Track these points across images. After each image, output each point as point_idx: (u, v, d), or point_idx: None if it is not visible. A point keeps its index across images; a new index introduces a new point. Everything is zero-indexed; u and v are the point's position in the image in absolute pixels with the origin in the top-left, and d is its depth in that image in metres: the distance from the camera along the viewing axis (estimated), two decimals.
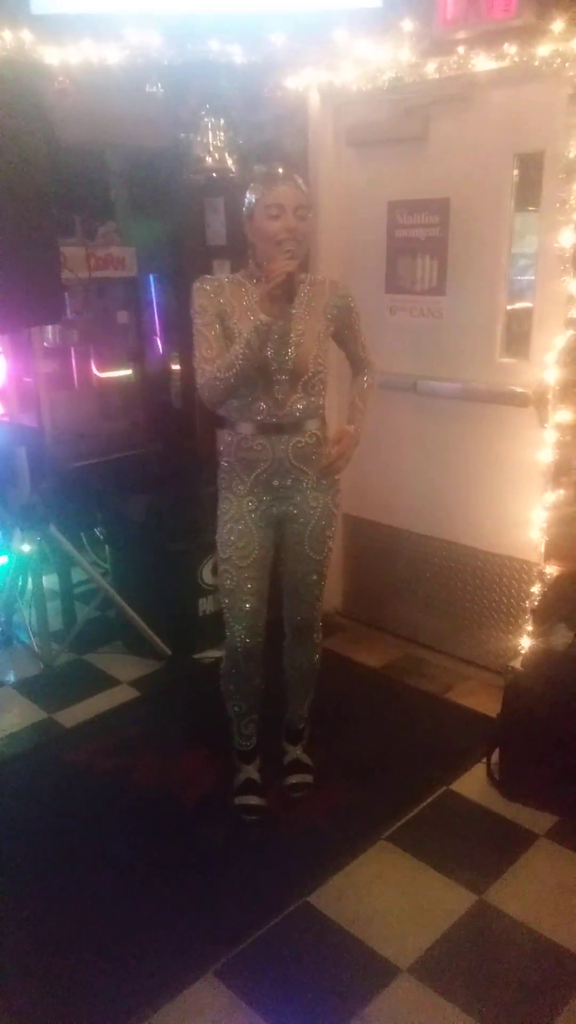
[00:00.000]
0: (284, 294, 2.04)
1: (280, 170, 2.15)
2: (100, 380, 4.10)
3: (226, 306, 2.18)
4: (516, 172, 2.81)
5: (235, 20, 2.79)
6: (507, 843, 2.38)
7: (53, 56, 2.87)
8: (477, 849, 2.36)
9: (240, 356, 2.07)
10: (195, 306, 2.20)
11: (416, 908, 2.16)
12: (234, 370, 2.09)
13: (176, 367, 4.24)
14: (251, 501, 2.30)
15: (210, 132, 3.15)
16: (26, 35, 2.81)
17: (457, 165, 2.91)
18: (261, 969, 1.99)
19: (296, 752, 2.67)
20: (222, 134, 3.19)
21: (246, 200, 2.17)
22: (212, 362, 2.14)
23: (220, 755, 2.69)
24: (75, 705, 3.13)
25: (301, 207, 2.12)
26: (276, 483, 2.28)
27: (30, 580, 3.39)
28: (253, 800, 2.51)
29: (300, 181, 2.15)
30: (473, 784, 2.62)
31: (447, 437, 3.18)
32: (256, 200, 2.13)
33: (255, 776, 2.58)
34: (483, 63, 2.63)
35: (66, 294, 3.74)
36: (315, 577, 2.42)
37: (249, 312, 2.15)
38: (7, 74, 2.76)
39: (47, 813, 2.55)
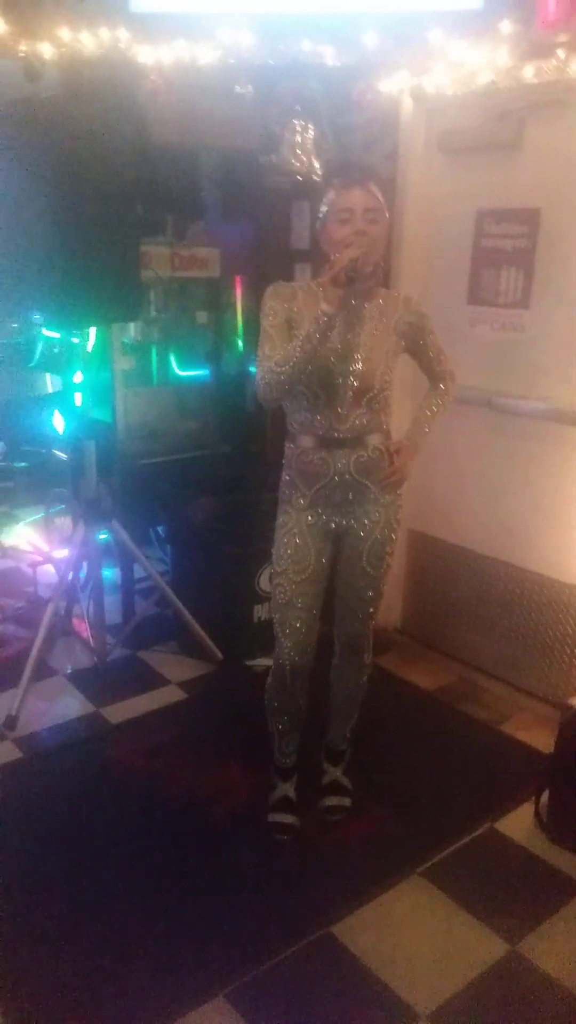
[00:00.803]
0: (348, 280, 1.96)
1: (354, 174, 2.08)
2: (177, 378, 4.13)
3: (297, 314, 2.13)
4: None
5: (328, 21, 2.73)
6: (548, 892, 2.24)
7: (147, 55, 2.87)
8: (516, 895, 2.23)
9: (299, 349, 2.00)
10: (265, 308, 2.16)
11: (444, 952, 2.05)
12: (292, 362, 2.01)
13: (253, 369, 4.23)
14: (310, 515, 2.24)
15: (298, 135, 3.10)
16: (122, 33, 2.81)
17: (550, 174, 2.78)
18: (274, 998, 1.92)
19: (335, 773, 2.59)
20: (311, 137, 3.14)
21: (320, 211, 2.12)
22: (272, 359, 2.08)
23: (258, 768, 2.63)
24: (123, 702, 3.13)
25: (371, 210, 2.05)
26: (338, 498, 2.22)
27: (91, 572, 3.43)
28: (287, 819, 2.44)
29: (373, 186, 2.08)
30: (519, 824, 2.48)
31: (520, 457, 3.04)
32: (328, 208, 2.08)
33: (291, 794, 2.51)
34: None
35: (150, 292, 3.79)
36: (371, 594, 2.34)
37: None
38: (103, 72, 2.78)
39: (80, 809, 2.55)
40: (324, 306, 1.97)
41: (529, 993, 1.94)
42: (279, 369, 2.04)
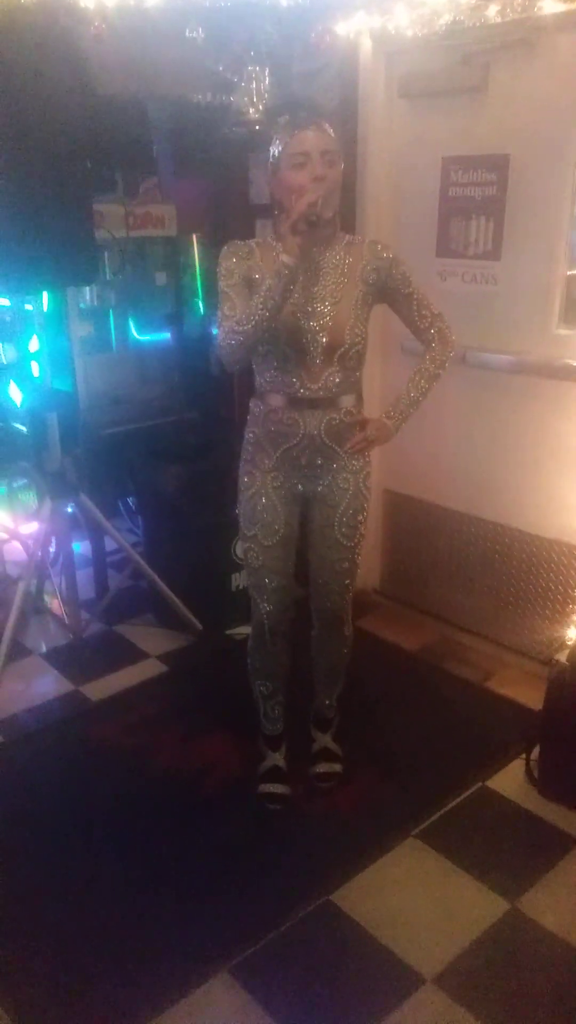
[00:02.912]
0: (309, 226, 1.85)
1: (303, 114, 1.96)
2: (138, 344, 4.00)
3: (255, 270, 2.03)
4: None
5: None
6: (544, 847, 2.26)
7: None
8: (512, 852, 2.24)
9: (260, 305, 1.89)
10: (221, 269, 2.05)
11: (444, 913, 2.05)
12: (254, 320, 1.90)
13: (216, 331, 4.10)
14: (276, 477, 2.18)
15: (253, 81, 2.96)
16: None
17: (518, 118, 2.69)
18: (278, 970, 1.91)
19: (325, 740, 2.57)
20: (266, 84, 3.00)
21: (270, 154, 2.00)
22: (233, 319, 1.97)
23: (245, 739, 2.60)
24: (103, 678, 3.07)
25: (328, 152, 1.94)
26: (305, 460, 2.15)
27: (61, 547, 3.34)
28: (278, 788, 2.42)
29: (327, 125, 1.96)
30: (510, 781, 2.49)
31: (497, 412, 3.00)
32: (279, 151, 1.96)
33: (281, 763, 2.49)
34: (550, 5, 2.39)
35: (104, 254, 3.63)
36: (346, 565, 2.28)
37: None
38: (39, 18, 2.61)
39: (66, 791, 2.50)
40: (284, 258, 1.86)
41: (531, 950, 1.96)
42: (240, 328, 1.93)
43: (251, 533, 2.23)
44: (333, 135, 1.97)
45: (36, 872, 2.21)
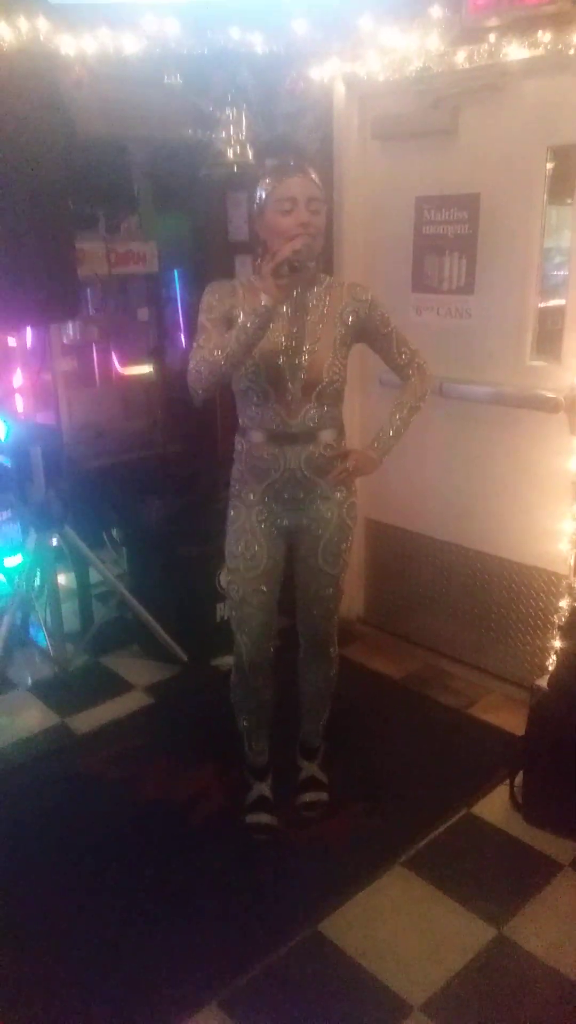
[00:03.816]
0: (291, 270, 1.90)
1: (292, 162, 2.03)
2: (121, 377, 4.05)
3: (237, 308, 2.08)
4: (549, 166, 2.67)
5: (255, 7, 2.68)
6: (529, 873, 2.27)
7: (69, 45, 2.77)
8: (497, 878, 2.26)
9: (234, 339, 1.93)
10: (203, 304, 2.11)
11: (431, 941, 2.06)
12: (226, 352, 1.93)
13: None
14: (261, 511, 2.22)
15: (231, 125, 3.04)
16: (42, 23, 2.71)
17: (488, 159, 2.78)
18: (267, 1002, 1.92)
19: (312, 769, 2.59)
20: (244, 127, 3.08)
21: (256, 196, 2.06)
22: (207, 349, 2.01)
23: (232, 769, 2.62)
24: (88, 710, 3.08)
25: (314, 199, 2.00)
26: (288, 494, 2.19)
27: (46, 579, 3.34)
28: (264, 819, 2.43)
29: (313, 172, 2.04)
30: (495, 807, 2.52)
31: (474, 442, 3.06)
32: (266, 195, 2.02)
33: (267, 793, 2.50)
34: (515, 52, 2.49)
35: (88, 290, 3.69)
36: (330, 591, 2.33)
37: None
38: (21, 64, 2.68)
39: (53, 824, 2.50)
40: (263, 298, 1.90)
41: (518, 976, 1.97)
42: (211, 358, 1.96)
43: (234, 565, 2.26)
44: (319, 183, 2.04)
45: (23, 905, 2.20)
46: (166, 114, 3.20)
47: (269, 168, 2.06)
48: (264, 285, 1.92)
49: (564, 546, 2.73)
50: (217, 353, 1.95)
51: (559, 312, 2.77)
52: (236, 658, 2.36)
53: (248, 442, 2.19)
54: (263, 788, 2.51)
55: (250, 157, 3.12)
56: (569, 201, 2.67)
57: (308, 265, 1.99)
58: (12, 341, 3.76)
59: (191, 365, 2.03)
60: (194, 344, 2.07)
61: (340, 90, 3.05)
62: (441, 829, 2.43)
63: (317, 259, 2.10)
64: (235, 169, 3.10)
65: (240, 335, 1.93)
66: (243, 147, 3.08)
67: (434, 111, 2.86)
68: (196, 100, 3.08)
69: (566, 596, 2.74)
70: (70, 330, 3.76)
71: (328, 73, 2.96)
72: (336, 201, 3.13)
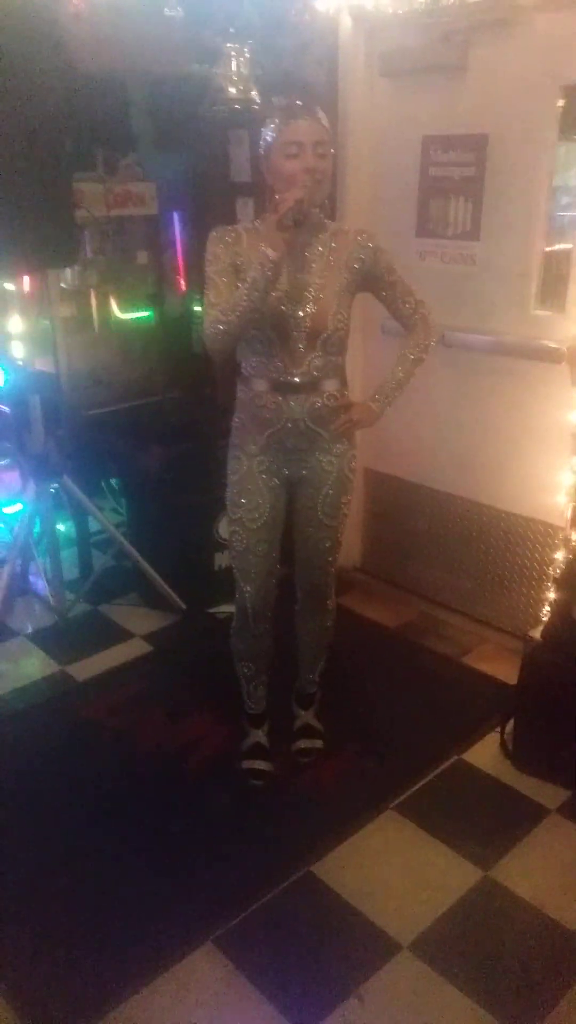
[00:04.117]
0: (294, 223, 1.88)
1: (299, 103, 1.97)
2: (120, 323, 3.99)
3: (242, 256, 2.04)
4: (561, 105, 2.59)
5: None
6: (517, 817, 2.33)
7: None
8: (486, 823, 2.31)
9: (245, 296, 1.92)
10: (209, 255, 2.07)
11: (420, 883, 2.12)
12: (238, 311, 1.94)
13: (197, 309, 4.09)
14: (263, 461, 2.21)
15: (233, 60, 2.94)
16: None
17: (497, 97, 2.69)
18: (261, 940, 1.98)
19: (307, 717, 2.63)
20: (247, 61, 2.97)
21: (262, 138, 2.01)
22: (219, 307, 1.99)
23: (229, 716, 2.66)
24: (88, 658, 3.11)
25: (321, 143, 1.95)
26: (290, 444, 2.18)
27: (45, 528, 3.35)
28: (260, 764, 2.48)
29: (321, 114, 1.98)
30: (486, 754, 2.56)
31: (475, 392, 3.03)
32: (273, 138, 1.97)
33: (263, 740, 2.54)
34: None
35: (86, 233, 3.61)
36: (329, 544, 2.33)
37: None
38: None
39: (52, 770, 2.55)
40: (268, 251, 1.88)
41: (503, 916, 2.03)
42: (226, 318, 1.96)
43: (237, 516, 2.26)
44: (326, 125, 1.99)
45: (21, 849, 2.26)
46: (166, 48, 3.08)
47: (276, 108, 2.01)
48: (268, 237, 1.90)
49: (561, 498, 2.71)
50: (230, 316, 1.95)
51: (565, 256, 2.71)
52: (238, 606, 2.38)
53: (251, 391, 2.17)
54: (259, 735, 2.55)
55: (253, 94, 3.02)
56: None
57: (312, 211, 1.95)
58: (9, 286, 3.70)
59: (205, 326, 2.02)
60: (204, 300, 2.05)
61: (346, 22, 2.94)
62: (432, 775, 2.48)
63: (323, 204, 2.05)
64: (237, 106, 3.01)
65: (251, 292, 1.91)
66: (246, 83, 2.98)
67: (443, 45, 2.76)
68: (197, 32, 2.97)
69: (562, 548, 2.74)
70: (68, 275, 3.70)
71: (334, 4, 2.85)
72: (340, 139, 3.03)
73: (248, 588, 2.31)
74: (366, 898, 2.08)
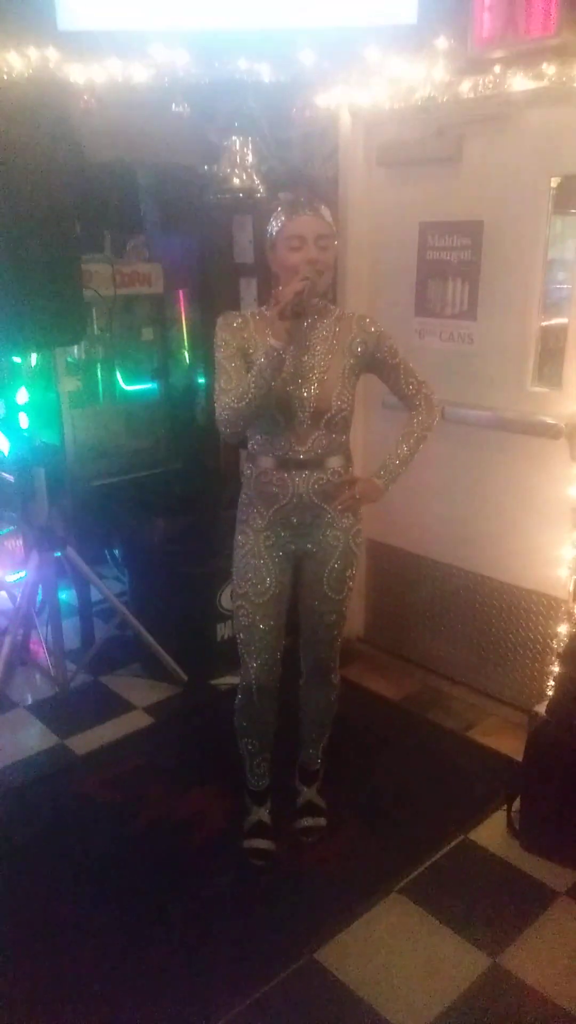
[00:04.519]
0: (294, 315, 1.96)
1: (303, 198, 2.08)
2: (125, 396, 4.07)
3: (249, 341, 2.12)
4: (552, 195, 2.70)
5: (263, 38, 2.71)
6: (526, 901, 2.27)
7: (79, 74, 2.81)
8: (494, 906, 2.26)
9: (253, 384, 2.01)
10: (218, 340, 2.15)
11: (427, 971, 2.06)
12: (247, 399, 2.02)
13: (201, 381, 4.18)
14: (269, 536, 2.24)
15: (237, 152, 3.08)
16: (51, 52, 2.75)
17: (491, 187, 2.81)
18: None
19: (310, 794, 2.59)
20: (250, 153, 3.12)
21: (268, 229, 2.11)
22: (230, 393, 2.08)
23: (231, 791, 2.62)
24: (88, 731, 3.08)
25: (323, 237, 2.05)
26: (296, 520, 2.22)
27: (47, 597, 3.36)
28: (263, 844, 2.44)
29: (324, 209, 2.08)
30: (492, 833, 2.52)
31: (475, 466, 3.08)
32: (278, 230, 2.07)
33: (266, 819, 2.50)
34: (520, 83, 2.52)
35: (93, 310, 3.72)
36: (334, 617, 2.34)
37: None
38: (32, 92, 2.72)
39: (52, 846, 2.50)
40: (272, 341, 1.97)
41: (513, 1006, 1.97)
42: (236, 405, 2.04)
43: (243, 590, 2.27)
44: (329, 219, 2.09)
45: (20, 927, 2.20)
46: (173, 141, 3.23)
47: (282, 203, 2.12)
48: (272, 329, 1.99)
49: (564, 572, 2.73)
50: (239, 404, 2.03)
51: (561, 331, 2.78)
52: (243, 682, 2.36)
53: (257, 468, 2.21)
54: (262, 813, 2.51)
55: (256, 183, 3.16)
56: (574, 211, 2.67)
57: (313, 303, 2.03)
58: (17, 359, 3.79)
59: (218, 413, 2.09)
60: (216, 386, 2.12)
61: (346, 118, 3.09)
62: (439, 855, 2.43)
63: (326, 292, 2.13)
64: (240, 195, 3.14)
65: (258, 380, 1.99)
66: (249, 174, 3.12)
67: (438, 139, 2.89)
68: (203, 127, 3.12)
69: (565, 622, 2.75)
70: (75, 349, 3.79)
71: (334, 101, 3.00)
72: (341, 224, 3.15)
73: (254, 664, 2.30)
74: (372, 987, 2.02)
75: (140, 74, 2.80)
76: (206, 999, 1.99)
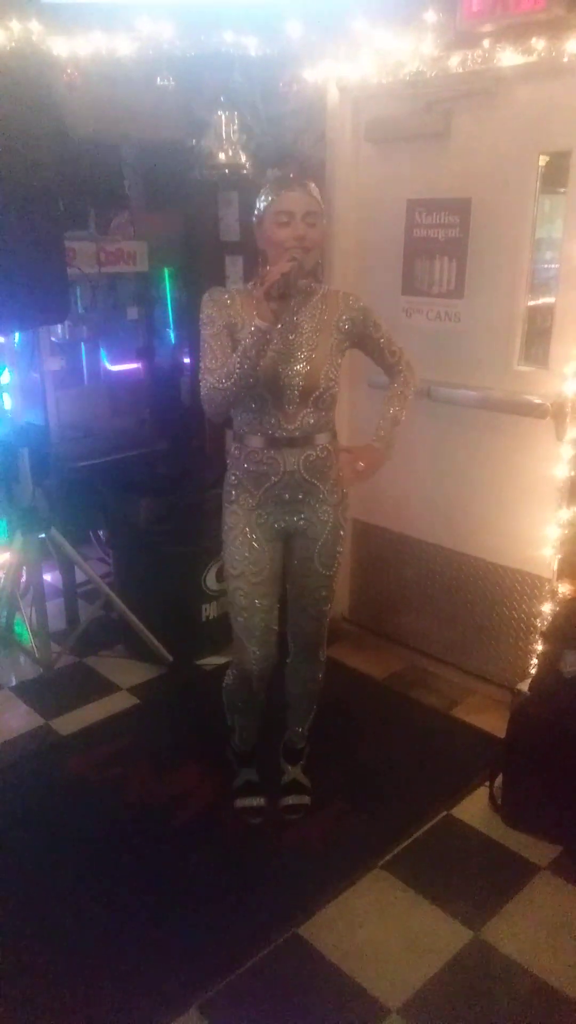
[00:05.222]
0: (281, 296, 1.94)
1: (291, 175, 2.06)
2: (109, 376, 4.04)
3: (235, 318, 2.11)
4: (541, 172, 2.68)
5: (250, 11, 2.68)
6: (507, 875, 2.29)
7: (62, 47, 2.77)
8: (475, 881, 2.28)
9: (238, 364, 2.00)
10: (203, 317, 2.13)
11: (409, 944, 2.08)
12: (233, 378, 2.01)
13: (187, 361, 4.15)
14: (260, 515, 2.23)
15: (223, 127, 3.04)
16: (34, 25, 2.70)
17: (479, 163, 2.79)
18: (247, 1005, 1.93)
19: (295, 772, 2.60)
20: (236, 129, 3.08)
21: (256, 206, 2.08)
22: (215, 372, 2.06)
23: (216, 769, 2.63)
24: (73, 712, 3.07)
25: (311, 213, 2.03)
26: (287, 496, 2.21)
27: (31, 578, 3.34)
28: (255, 801, 2.47)
29: (312, 186, 2.07)
30: (474, 809, 2.54)
31: (461, 446, 3.08)
32: (265, 206, 2.05)
33: (254, 777, 2.54)
34: (509, 58, 2.50)
35: (77, 289, 3.68)
36: (324, 593, 2.35)
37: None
38: (14, 65, 2.67)
39: (36, 827, 2.50)
40: (257, 322, 1.96)
41: (494, 978, 1.99)
42: (221, 385, 2.03)
43: (238, 571, 2.25)
44: (318, 196, 2.07)
45: (4, 906, 2.21)
46: (159, 115, 3.19)
47: (270, 179, 2.09)
48: (258, 309, 1.97)
49: (548, 551, 2.74)
50: (224, 383, 2.02)
51: (547, 310, 2.78)
52: (241, 668, 2.35)
53: (245, 447, 2.20)
54: (250, 773, 2.54)
55: (242, 159, 3.12)
56: (562, 190, 2.65)
57: (300, 283, 2.01)
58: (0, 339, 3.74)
59: (203, 392, 2.09)
60: (200, 364, 2.11)
61: (333, 92, 3.05)
62: (421, 831, 2.45)
63: (313, 272, 2.12)
64: (226, 171, 3.10)
65: (243, 360, 1.98)
66: (235, 149, 3.08)
67: (427, 114, 2.87)
68: (189, 102, 3.08)
69: (548, 600, 2.76)
70: (59, 329, 3.75)
71: (322, 75, 2.96)
72: (328, 201, 3.12)
73: (254, 648, 2.29)
74: (354, 961, 2.03)
75: (125, 47, 2.76)
76: (190, 975, 2.00)
